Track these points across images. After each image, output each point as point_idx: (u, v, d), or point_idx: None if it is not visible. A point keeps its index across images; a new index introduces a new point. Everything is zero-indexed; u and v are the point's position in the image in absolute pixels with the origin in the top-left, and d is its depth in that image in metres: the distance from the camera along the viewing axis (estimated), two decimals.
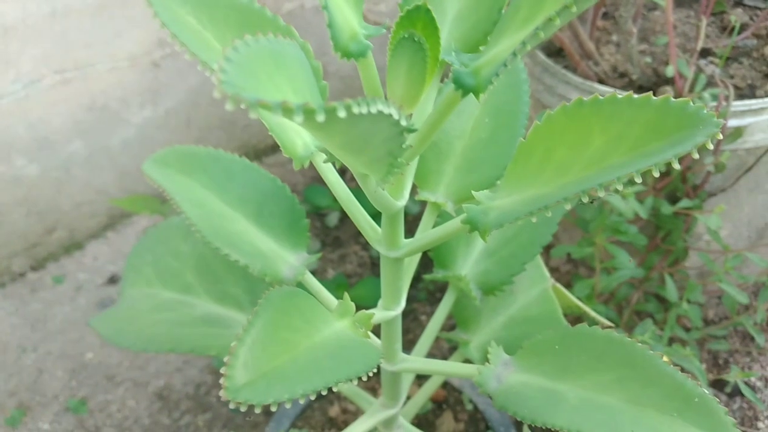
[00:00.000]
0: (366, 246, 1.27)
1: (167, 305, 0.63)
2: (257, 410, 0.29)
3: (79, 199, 1.26)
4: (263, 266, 0.49)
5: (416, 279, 1.13)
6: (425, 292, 1.15)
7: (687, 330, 1.01)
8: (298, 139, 0.39)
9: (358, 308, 1.01)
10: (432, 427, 0.75)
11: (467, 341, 0.63)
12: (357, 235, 1.28)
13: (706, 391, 0.39)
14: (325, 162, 0.33)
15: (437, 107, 0.34)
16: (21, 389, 1.11)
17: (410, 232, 0.44)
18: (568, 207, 0.30)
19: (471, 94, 0.31)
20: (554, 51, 0.99)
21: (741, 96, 0.89)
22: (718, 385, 1.03)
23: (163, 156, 0.51)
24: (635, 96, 0.31)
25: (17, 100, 1.11)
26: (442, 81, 0.39)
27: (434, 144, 0.47)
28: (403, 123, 0.26)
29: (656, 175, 0.28)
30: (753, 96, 0.89)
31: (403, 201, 0.39)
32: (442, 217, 0.48)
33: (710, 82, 0.87)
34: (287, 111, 0.20)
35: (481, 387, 0.44)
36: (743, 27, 0.99)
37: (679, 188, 0.89)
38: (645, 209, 0.83)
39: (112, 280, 1.25)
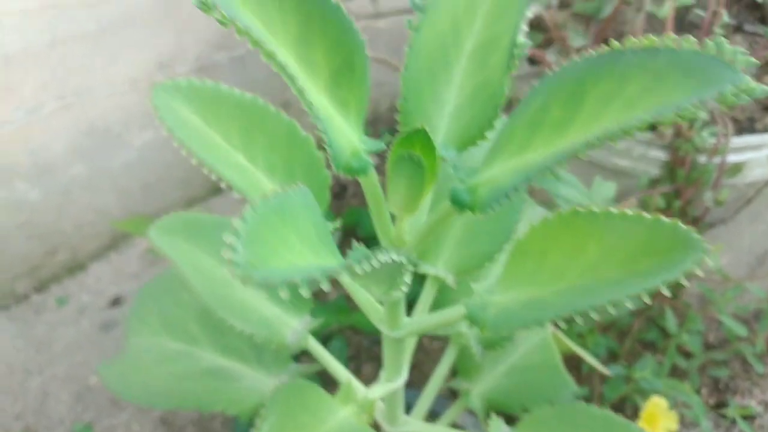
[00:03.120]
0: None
1: (172, 357, 0.64)
2: None
3: (81, 221, 1.27)
4: (268, 334, 0.50)
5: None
6: None
7: (687, 356, 1.02)
8: None
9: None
10: None
11: (468, 390, 0.64)
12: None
13: None
14: None
15: (433, 219, 0.34)
16: (27, 413, 1.12)
17: None
18: (562, 324, 0.31)
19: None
20: None
21: (741, 129, 0.90)
22: (719, 409, 1.04)
23: (168, 223, 0.51)
24: (628, 212, 0.32)
25: (19, 127, 1.12)
26: None
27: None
28: (404, 261, 0.26)
29: (647, 301, 0.29)
30: (752, 129, 0.89)
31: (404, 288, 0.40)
32: (443, 290, 0.49)
33: (710, 119, 0.87)
34: (293, 287, 0.21)
35: None
36: None
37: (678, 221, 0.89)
38: None
39: (116, 302, 1.27)
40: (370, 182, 0.35)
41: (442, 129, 0.38)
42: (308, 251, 0.25)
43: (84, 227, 1.28)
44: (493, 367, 0.66)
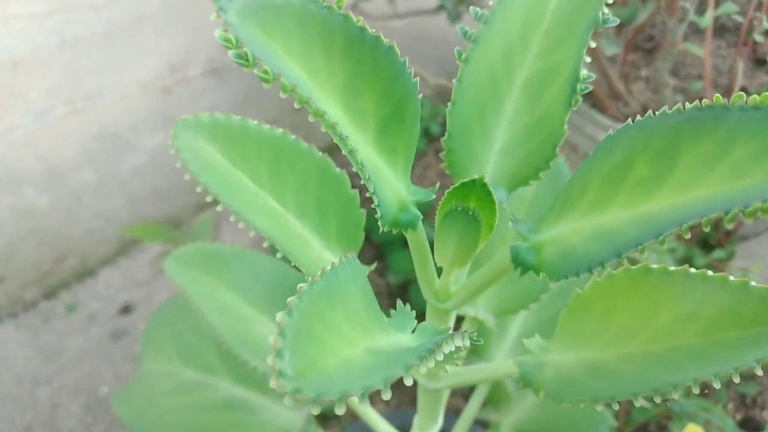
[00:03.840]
0: (381, 272, 1.25)
1: (188, 387, 0.60)
2: None
3: (90, 227, 1.24)
4: None
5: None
6: None
7: None
8: None
9: None
10: None
11: (499, 423, 0.61)
12: (371, 260, 1.26)
13: None
14: None
15: (486, 275, 0.31)
16: (36, 424, 1.10)
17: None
18: (638, 404, 0.28)
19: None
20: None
21: None
22: (745, 424, 1.01)
23: (186, 255, 0.48)
24: (709, 273, 0.29)
25: (28, 133, 1.09)
26: None
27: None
28: (468, 345, 0.23)
29: (737, 380, 0.26)
30: None
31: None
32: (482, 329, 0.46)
33: None
34: (353, 398, 0.18)
35: None
36: None
37: (711, 235, 0.86)
38: (676, 260, 0.81)
39: (125, 310, 1.24)
40: (417, 238, 0.31)
41: (489, 167, 0.35)
42: (357, 333, 0.22)
43: (94, 233, 1.25)
44: (524, 397, 0.62)
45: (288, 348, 0.18)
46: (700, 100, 0.25)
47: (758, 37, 0.79)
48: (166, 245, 1.31)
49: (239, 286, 0.48)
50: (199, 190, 0.32)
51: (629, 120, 0.26)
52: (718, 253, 0.83)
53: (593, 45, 0.33)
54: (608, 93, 0.88)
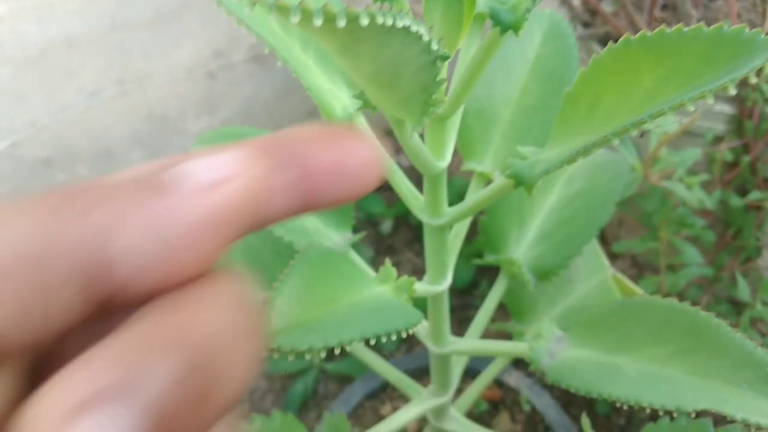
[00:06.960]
0: (419, 253, 1.26)
1: None
2: (290, 358, 0.28)
3: None
4: (308, 243, 0.48)
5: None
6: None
7: (763, 335, 0.95)
8: (336, 102, 0.39)
9: None
10: (487, 426, 0.72)
11: (522, 333, 0.61)
12: (411, 242, 1.28)
13: None
14: (359, 109, 0.32)
15: (477, 51, 0.32)
16: None
17: None
18: (616, 142, 0.28)
19: (511, 32, 0.30)
20: (608, 40, 0.96)
21: None
22: None
23: (211, 135, 0.51)
24: (685, 29, 0.29)
25: (80, 111, 1.15)
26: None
27: (479, 111, 0.46)
28: (435, 47, 0.24)
29: (710, 101, 0.26)
30: None
31: (444, 162, 0.38)
32: None
33: None
34: (306, 14, 0.20)
35: (533, 363, 0.42)
36: None
37: (748, 180, 0.84)
38: (712, 201, 0.79)
39: None
40: None
41: None
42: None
43: None
44: (548, 309, 0.62)
45: None
46: None
47: None
48: None
49: None
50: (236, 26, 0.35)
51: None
52: (754, 194, 0.82)
53: None
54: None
